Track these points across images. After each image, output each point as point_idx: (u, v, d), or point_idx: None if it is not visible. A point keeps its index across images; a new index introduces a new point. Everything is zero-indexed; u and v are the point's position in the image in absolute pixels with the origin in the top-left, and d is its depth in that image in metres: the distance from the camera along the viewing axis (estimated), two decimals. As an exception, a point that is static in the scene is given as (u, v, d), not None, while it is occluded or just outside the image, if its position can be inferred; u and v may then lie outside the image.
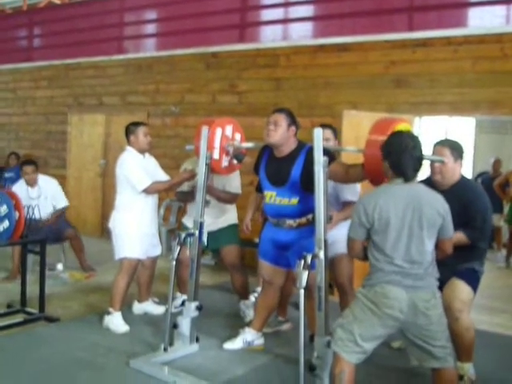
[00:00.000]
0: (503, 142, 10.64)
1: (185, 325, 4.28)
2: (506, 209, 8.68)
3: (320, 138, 3.60)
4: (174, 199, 6.85)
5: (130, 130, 5.01)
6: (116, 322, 4.74)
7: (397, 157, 3.17)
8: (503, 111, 6.06)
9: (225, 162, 4.56)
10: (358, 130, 6.06)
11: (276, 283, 4.43)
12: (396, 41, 6.56)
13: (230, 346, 4.44)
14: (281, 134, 4.08)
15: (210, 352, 4.35)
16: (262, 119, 7.51)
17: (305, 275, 3.44)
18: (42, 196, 6.58)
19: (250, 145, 4.67)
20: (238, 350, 4.41)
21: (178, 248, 4.22)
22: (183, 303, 4.38)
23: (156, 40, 9.07)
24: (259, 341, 4.50)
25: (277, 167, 4.17)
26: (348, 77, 6.89)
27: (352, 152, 4.25)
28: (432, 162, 3.85)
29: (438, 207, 3.18)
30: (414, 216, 3.12)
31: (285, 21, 7.65)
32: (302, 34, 7.39)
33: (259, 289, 5.05)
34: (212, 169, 4.43)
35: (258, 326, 4.52)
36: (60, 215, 6.80)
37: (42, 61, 10.42)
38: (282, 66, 7.45)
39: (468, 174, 11.96)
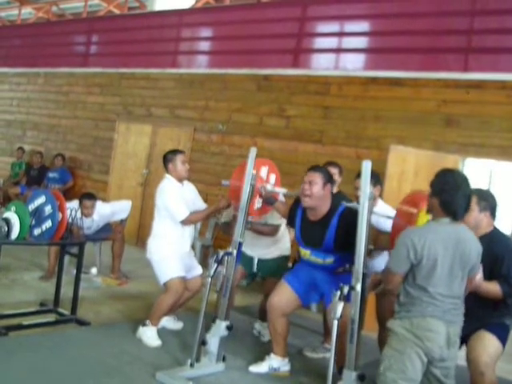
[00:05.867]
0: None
1: (213, 343, 4.27)
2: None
3: (368, 170, 3.61)
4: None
5: (167, 158, 4.94)
6: (150, 334, 4.71)
7: (450, 195, 3.13)
8: (552, 160, 5.98)
9: (258, 204, 4.62)
10: (403, 165, 6.04)
11: (285, 313, 4.38)
12: (450, 80, 6.54)
13: (255, 369, 4.41)
14: (316, 193, 4.08)
15: (235, 373, 4.34)
16: (306, 145, 7.61)
17: (340, 306, 3.43)
18: (94, 226, 6.67)
19: (282, 190, 4.74)
20: (262, 373, 4.37)
21: (215, 265, 4.23)
22: (214, 320, 4.37)
23: (210, 57, 9.18)
24: (285, 367, 4.44)
25: (311, 231, 4.21)
26: (398, 111, 6.87)
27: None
28: None
29: (478, 249, 3.25)
30: (457, 256, 3.14)
31: (339, 50, 7.69)
32: (355, 64, 7.42)
33: None
34: None
35: (280, 352, 4.44)
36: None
37: (96, 67, 10.65)
38: (333, 94, 7.47)
39: (509, 220, 11.75)
